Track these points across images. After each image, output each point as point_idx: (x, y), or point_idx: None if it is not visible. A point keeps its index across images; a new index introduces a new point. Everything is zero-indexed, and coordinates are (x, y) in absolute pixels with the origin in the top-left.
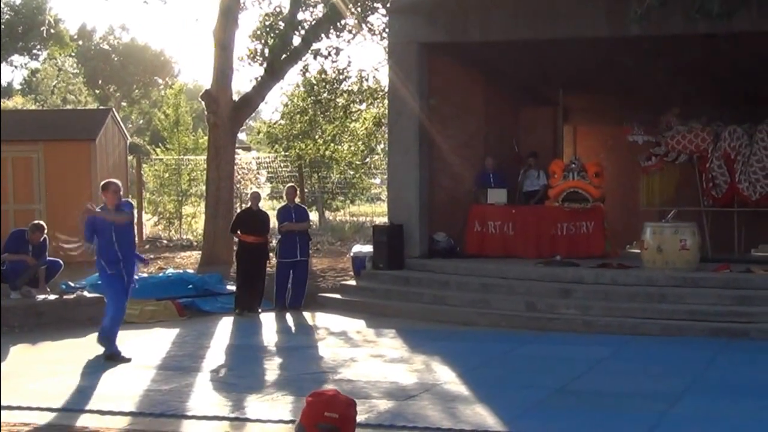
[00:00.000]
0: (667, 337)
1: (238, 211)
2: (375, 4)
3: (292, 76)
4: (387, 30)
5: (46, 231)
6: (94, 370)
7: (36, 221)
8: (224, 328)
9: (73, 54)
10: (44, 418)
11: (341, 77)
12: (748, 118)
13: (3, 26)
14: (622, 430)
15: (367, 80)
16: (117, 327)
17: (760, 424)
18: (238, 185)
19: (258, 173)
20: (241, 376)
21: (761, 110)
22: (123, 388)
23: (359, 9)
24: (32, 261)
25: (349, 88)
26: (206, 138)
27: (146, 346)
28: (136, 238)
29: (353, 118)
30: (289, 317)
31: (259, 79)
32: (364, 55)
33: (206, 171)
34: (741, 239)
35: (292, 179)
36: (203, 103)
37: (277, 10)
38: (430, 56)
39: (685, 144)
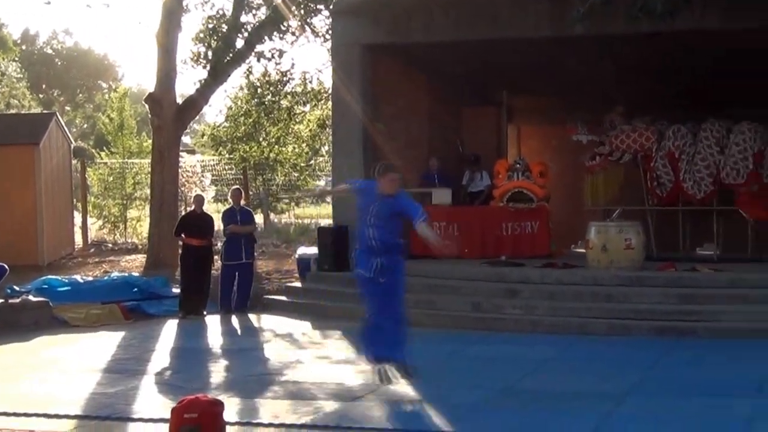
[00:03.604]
0: (613, 336)
1: (183, 214)
2: (318, 6)
3: (236, 79)
4: (330, 32)
5: None
6: (40, 373)
7: None
8: (169, 331)
9: (16, 59)
10: None
11: (285, 79)
12: (692, 116)
13: None
14: (568, 430)
15: (310, 82)
16: None
17: (706, 423)
18: (182, 188)
19: (202, 176)
20: (187, 379)
21: (705, 109)
22: (69, 392)
23: (302, 11)
24: None
25: (293, 90)
26: (150, 141)
27: (92, 350)
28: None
29: (297, 120)
30: (234, 320)
31: (203, 81)
32: (307, 57)
33: (150, 174)
34: (686, 238)
35: (237, 182)
36: (147, 106)
37: (220, 12)
38: (373, 58)
39: (629, 143)
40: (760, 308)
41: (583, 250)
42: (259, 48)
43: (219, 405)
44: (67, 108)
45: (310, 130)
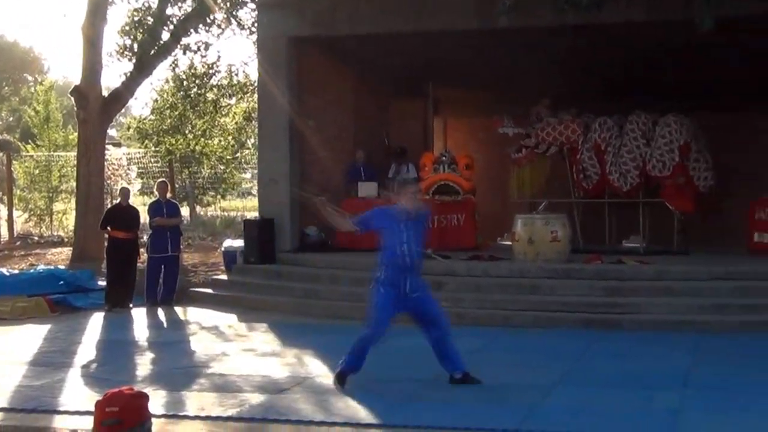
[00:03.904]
0: (539, 328)
1: (109, 207)
2: None
3: (162, 72)
4: (256, 24)
5: None
6: None
7: None
8: (95, 323)
9: None
10: None
11: (211, 72)
12: (618, 109)
13: None
14: (494, 421)
15: (236, 75)
16: None
17: (631, 414)
18: (108, 181)
19: (128, 169)
20: (113, 372)
21: (631, 101)
22: None
23: (228, 4)
24: None
25: (219, 83)
26: (76, 134)
27: (17, 342)
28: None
29: (223, 112)
30: (160, 312)
31: (129, 74)
32: (233, 50)
33: (77, 167)
34: (612, 230)
35: (163, 175)
36: (73, 99)
37: (146, 5)
38: (299, 50)
39: (555, 135)
40: (685, 301)
41: (509, 243)
42: (185, 41)
43: (142, 398)
44: None
45: (236, 123)
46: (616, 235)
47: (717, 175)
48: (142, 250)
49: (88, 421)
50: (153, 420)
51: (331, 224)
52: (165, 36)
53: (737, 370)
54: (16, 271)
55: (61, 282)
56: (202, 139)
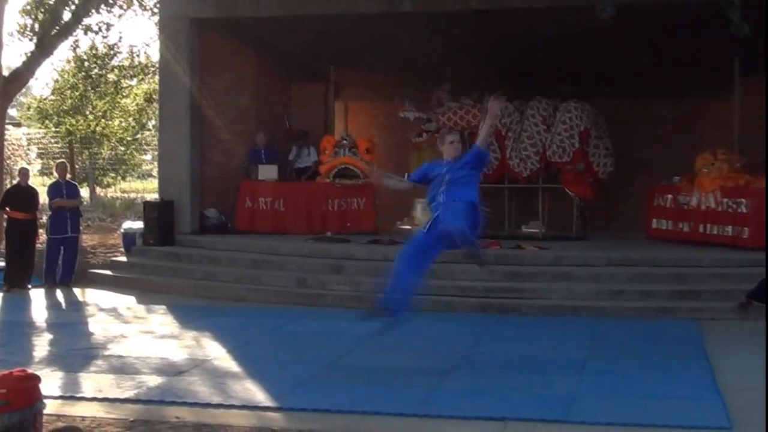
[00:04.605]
0: (437, 312)
1: (8, 187)
2: None
3: (63, 52)
4: (158, 5)
5: None
6: None
7: None
8: None
9: None
10: None
11: (112, 53)
12: (519, 94)
13: None
14: (392, 405)
15: (138, 56)
16: None
17: (527, 398)
18: (8, 161)
19: (28, 149)
20: (9, 353)
21: (532, 87)
22: None
23: None
24: None
25: (120, 64)
26: None
27: None
28: None
29: (124, 93)
30: (59, 293)
31: (29, 54)
32: (135, 31)
33: None
34: (511, 216)
35: (63, 155)
36: None
37: None
38: (201, 32)
39: (456, 120)
40: (583, 286)
41: (408, 227)
42: (86, 21)
43: (32, 379)
44: None
45: (137, 104)
46: (516, 221)
47: (616, 162)
48: (41, 231)
49: None
50: (49, 402)
51: (393, 189)
52: (66, 16)
53: (632, 356)
54: None
55: None
56: (103, 120)
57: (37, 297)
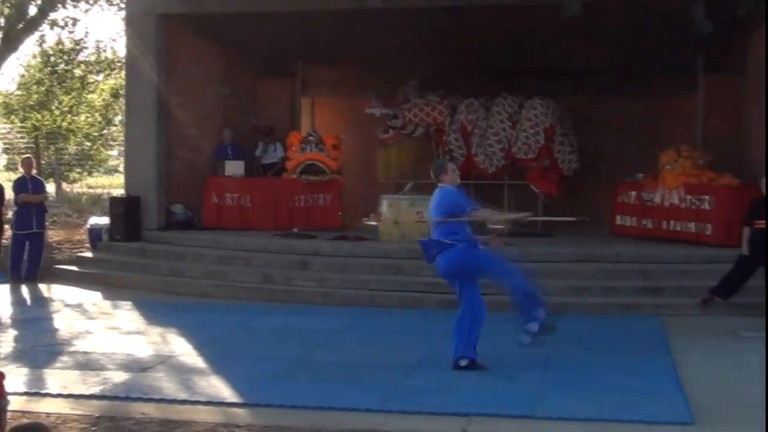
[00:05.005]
0: (403, 308)
1: None
2: None
3: (29, 47)
4: (125, 0)
5: None
6: None
7: None
8: None
9: None
10: None
11: (78, 48)
12: (485, 90)
13: None
14: (358, 401)
15: (104, 51)
16: None
17: (492, 394)
18: None
19: None
20: None
21: (499, 83)
22: None
23: None
24: None
25: (87, 59)
26: None
27: None
28: None
29: (90, 89)
30: (24, 289)
31: None
32: (102, 26)
33: None
34: None
35: (29, 151)
36: None
37: None
38: (168, 27)
39: (422, 117)
40: (548, 282)
41: (375, 223)
42: (52, 16)
43: None
44: None
45: (104, 100)
46: None
47: (581, 159)
48: (6, 226)
49: None
50: (13, 398)
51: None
52: (32, 11)
53: (596, 352)
54: None
55: None
56: (69, 116)
57: (2, 293)
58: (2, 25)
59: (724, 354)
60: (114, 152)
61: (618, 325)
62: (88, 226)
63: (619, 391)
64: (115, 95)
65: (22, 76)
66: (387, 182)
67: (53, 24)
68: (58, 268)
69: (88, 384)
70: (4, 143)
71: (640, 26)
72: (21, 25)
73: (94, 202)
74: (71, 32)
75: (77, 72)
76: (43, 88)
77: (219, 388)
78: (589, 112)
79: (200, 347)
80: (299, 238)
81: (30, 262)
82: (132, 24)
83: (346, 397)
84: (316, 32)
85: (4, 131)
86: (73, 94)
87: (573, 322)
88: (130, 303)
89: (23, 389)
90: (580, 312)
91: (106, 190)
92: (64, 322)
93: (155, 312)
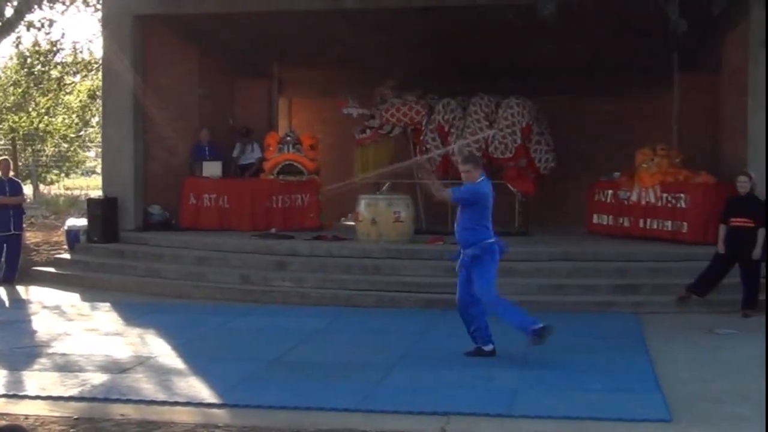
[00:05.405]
0: (381, 308)
1: None
2: None
3: (5, 48)
4: (101, 1)
5: None
6: None
7: None
8: None
9: None
10: None
11: (55, 49)
12: (462, 90)
13: None
14: (336, 401)
15: (81, 52)
16: None
17: (470, 393)
18: None
19: None
20: None
21: (475, 83)
22: None
23: None
24: None
25: (63, 61)
26: None
27: None
28: None
29: (67, 90)
30: (1, 291)
31: None
32: (78, 27)
33: None
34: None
35: (6, 153)
36: None
37: None
38: (145, 28)
39: (399, 116)
40: (525, 281)
41: (352, 223)
42: (28, 17)
43: None
44: None
45: (81, 101)
46: None
47: (558, 158)
48: None
49: None
50: None
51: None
52: (8, 12)
53: (573, 350)
54: None
55: None
56: (46, 117)
57: None
58: None
59: (701, 351)
60: (91, 153)
61: (595, 323)
62: (65, 227)
63: (596, 389)
64: (92, 96)
65: None
66: (364, 182)
67: (30, 25)
68: (36, 270)
69: (67, 386)
70: None
71: (615, 26)
72: None
73: (72, 204)
74: (48, 33)
75: (54, 73)
76: (19, 90)
77: (198, 388)
78: (565, 112)
79: (179, 348)
80: (277, 239)
81: (7, 265)
82: (108, 25)
83: (324, 397)
84: (293, 33)
85: None
86: (50, 95)
87: (550, 320)
88: (108, 304)
89: (2, 391)
90: (558, 310)
91: (83, 192)
92: (42, 324)
93: (133, 313)
